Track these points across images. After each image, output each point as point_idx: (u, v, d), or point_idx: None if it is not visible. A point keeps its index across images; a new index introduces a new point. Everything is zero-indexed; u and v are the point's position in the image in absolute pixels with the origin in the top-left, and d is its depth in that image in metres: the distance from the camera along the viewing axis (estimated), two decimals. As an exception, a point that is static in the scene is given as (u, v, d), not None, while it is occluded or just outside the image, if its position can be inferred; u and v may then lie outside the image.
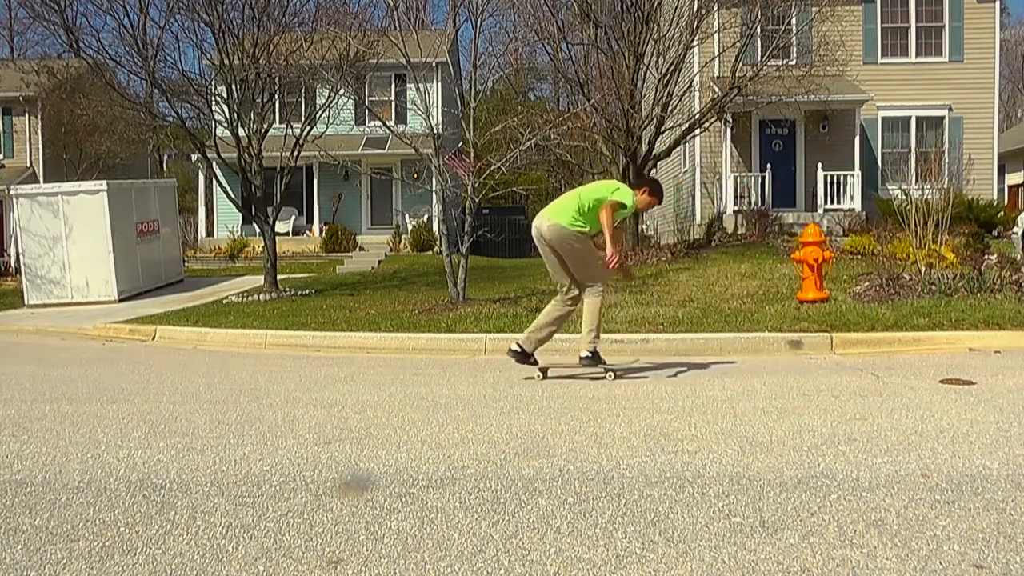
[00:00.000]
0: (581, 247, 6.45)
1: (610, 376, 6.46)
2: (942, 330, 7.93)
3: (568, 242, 6.40)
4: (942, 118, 21.04)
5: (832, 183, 19.95)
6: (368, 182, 26.19)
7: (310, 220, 27.16)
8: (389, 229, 26.52)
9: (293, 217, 26.55)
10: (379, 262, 22.79)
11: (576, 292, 6.56)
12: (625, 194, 6.47)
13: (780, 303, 9.94)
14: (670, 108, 16.57)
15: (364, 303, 12.67)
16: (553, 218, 6.45)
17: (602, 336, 6.68)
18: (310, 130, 16.04)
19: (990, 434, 4.28)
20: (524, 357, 6.56)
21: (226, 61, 14.99)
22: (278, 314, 11.76)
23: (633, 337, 8.30)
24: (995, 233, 17.79)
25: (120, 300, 16.23)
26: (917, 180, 13.32)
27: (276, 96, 16.87)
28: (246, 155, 15.53)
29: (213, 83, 16.53)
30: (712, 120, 17.97)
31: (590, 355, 6.45)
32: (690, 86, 17.84)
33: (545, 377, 6.54)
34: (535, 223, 6.62)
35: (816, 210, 19.70)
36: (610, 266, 6.36)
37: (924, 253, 10.82)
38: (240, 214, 22.95)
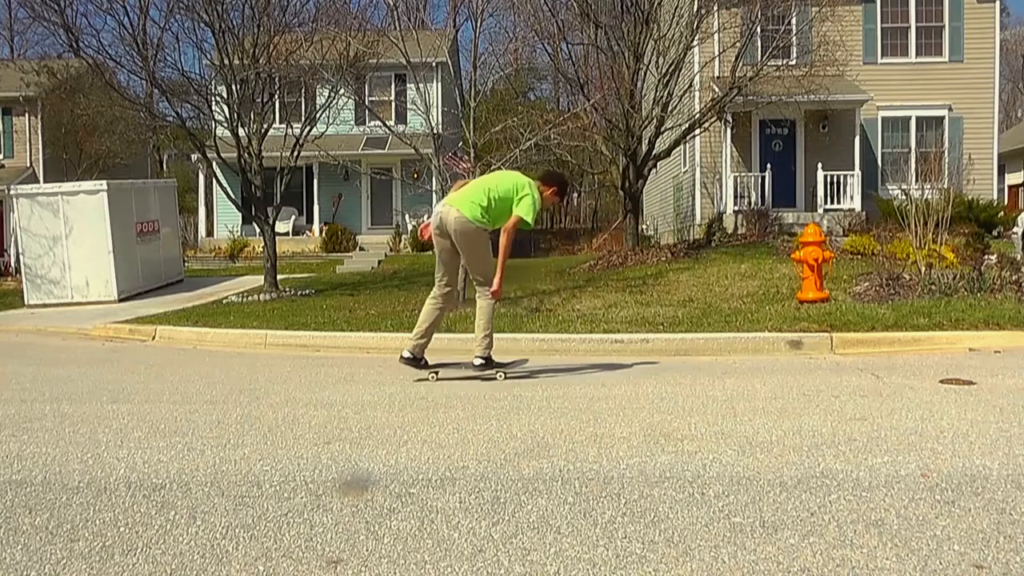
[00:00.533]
0: (482, 243, 6.39)
1: (500, 376, 6.49)
2: (942, 330, 7.92)
3: (470, 237, 6.31)
4: (942, 118, 21.04)
5: (832, 183, 19.95)
6: (368, 182, 26.20)
7: (310, 220, 27.18)
8: (389, 229, 26.53)
9: (293, 217, 26.56)
10: (379, 262, 22.79)
11: (449, 289, 6.57)
12: (530, 206, 6.32)
13: (780, 303, 9.94)
14: (670, 108, 16.58)
15: (364, 303, 12.66)
16: (462, 210, 6.28)
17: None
18: (310, 130, 16.03)
19: (990, 434, 4.28)
20: (416, 362, 6.60)
21: (226, 61, 14.99)
22: (278, 314, 11.76)
23: (633, 337, 8.30)
24: (995, 233, 17.78)
25: (120, 300, 16.22)
26: (917, 180, 13.33)
27: (276, 96, 16.85)
28: (246, 155, 15.52)
29: (213, 83, 16.52)
30: (712, 120, 17.98)
31: (484, 361, 6.47)
32: (690, 86, 17.84)
33: (439, 378, 6.56)
34: (438, 210, 6.42)
35: (816, 210, 19.70)
36: (494, 297, 6.41)
37: (924, 253, 10.81)
38: (240, 214, 22.96)
